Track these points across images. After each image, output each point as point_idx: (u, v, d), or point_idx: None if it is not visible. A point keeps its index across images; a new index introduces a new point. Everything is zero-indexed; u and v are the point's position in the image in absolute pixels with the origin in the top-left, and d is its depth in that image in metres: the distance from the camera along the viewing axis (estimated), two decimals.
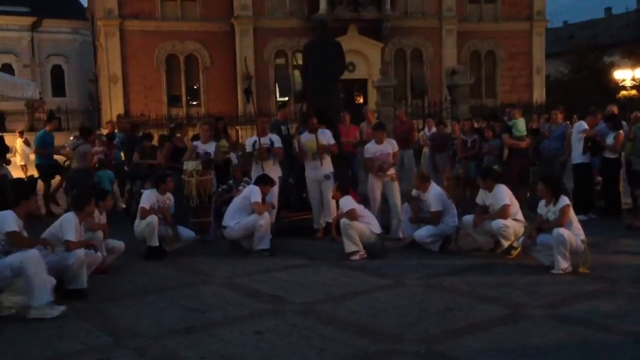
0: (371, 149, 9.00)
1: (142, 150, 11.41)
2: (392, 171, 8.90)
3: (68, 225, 6.18)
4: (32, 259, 5.50)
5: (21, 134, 19.55)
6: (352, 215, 7.61)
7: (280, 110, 11.54)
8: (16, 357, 4.70)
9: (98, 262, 6.64)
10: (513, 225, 7.39)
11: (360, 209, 7.83)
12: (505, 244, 7.40)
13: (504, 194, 7.48)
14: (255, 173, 8.82)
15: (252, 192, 7.99)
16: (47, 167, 11.77)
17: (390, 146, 8.96)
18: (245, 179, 9.45)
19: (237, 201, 8.17)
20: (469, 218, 7.74)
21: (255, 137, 9.12)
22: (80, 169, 10.57)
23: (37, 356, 4.68)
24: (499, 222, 7.35)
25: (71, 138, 13.24)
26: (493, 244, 7.68)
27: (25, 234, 5.81)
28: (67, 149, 12.30)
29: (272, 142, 8.91)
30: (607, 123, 9.83)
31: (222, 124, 11.20)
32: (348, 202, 7.77)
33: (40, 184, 10.97)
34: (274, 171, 8.79)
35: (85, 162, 10.63)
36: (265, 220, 7.80)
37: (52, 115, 21.75)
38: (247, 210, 7.91)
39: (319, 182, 8.82)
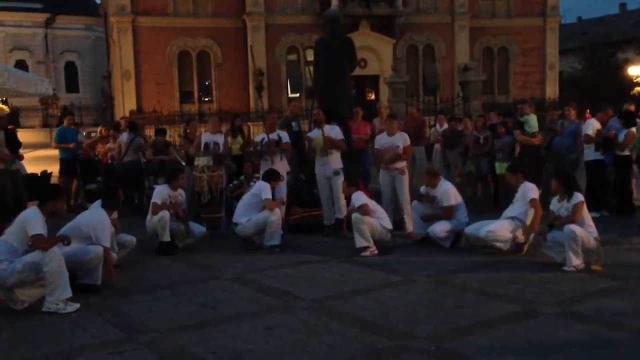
0: (380, 140, 8.91)
1: (154, 146, 11.46)
2: (401, 164, 8.65)
3: (105, 228, 6.40)
4: (54, 256, 5.55)
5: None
6: (364, 210, 7.60)
7: (290, 105, 11.51)
8: (28, 350, 4.74)
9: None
10: (499, 228, 7.32)
11: (372, 204, 7.82)
12: (503, 245, 7.33)
13: (527, 191, 7.44)
14: (264, 169, 8.84)
15: (262, 189, 8.00)
16: (68, 160, 11.91)
17: (400, 139, 8.69)
18: (257, 174, 9.47)
19: (247, 198, 8.19)
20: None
21: (263, 134, 9.16)
22: (131, 161, 11.07)
23: (49, 350, 4.71)
24: (485, 231, 7.33)
25: (84, 133, 13.32)
26: None
27: (46, 230, 5.86)
28: (94, 139, 12.41)
29: (280, 138, 8.92)
30: (620, 120, 9.76)
31: (239, 120, 11.24)
32: (360, 197, 7.77)
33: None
34: (282, 167, 8.81)
35: (138, 155, 11.16)
36: (277, 216, 7.83)
37: (65, 110, 21.82)
38: (258, 207, 7.94)
39: (329, 179, 8.80)
